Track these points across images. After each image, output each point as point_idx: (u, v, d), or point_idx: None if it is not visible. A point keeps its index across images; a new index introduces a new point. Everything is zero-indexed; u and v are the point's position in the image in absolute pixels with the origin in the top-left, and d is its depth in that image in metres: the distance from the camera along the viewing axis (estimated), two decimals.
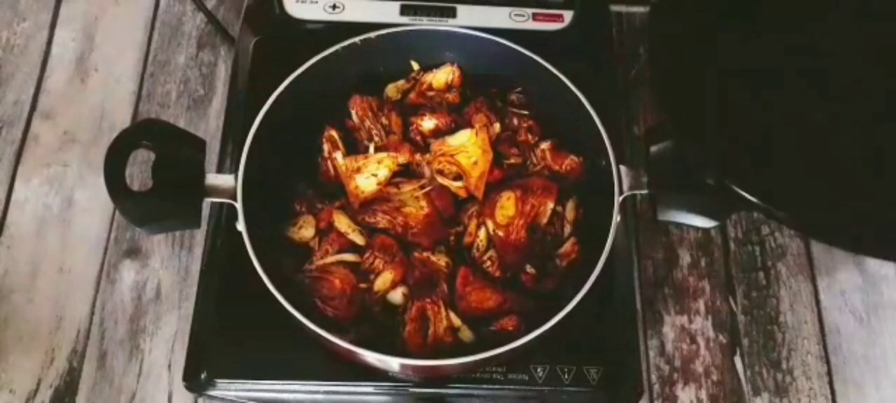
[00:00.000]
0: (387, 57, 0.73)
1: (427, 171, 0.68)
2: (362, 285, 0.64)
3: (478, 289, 0.63)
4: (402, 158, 0.67)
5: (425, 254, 0.65)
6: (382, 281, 0.63)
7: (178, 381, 0.76)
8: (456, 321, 0.62)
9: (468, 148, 0.66)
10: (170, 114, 0.91)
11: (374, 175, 0.66)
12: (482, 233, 0.66)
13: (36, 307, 0.81)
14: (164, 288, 0.82)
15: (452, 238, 0.67)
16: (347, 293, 0.63)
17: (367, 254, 0.64)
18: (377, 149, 0.68)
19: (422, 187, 0.67)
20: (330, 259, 0.64)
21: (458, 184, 0.67)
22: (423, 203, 0.66)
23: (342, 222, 0.65)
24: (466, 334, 0.62)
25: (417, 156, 0.68)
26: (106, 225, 0.85)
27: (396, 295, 0.63)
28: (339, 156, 0.68)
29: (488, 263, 0.65)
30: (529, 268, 0.65)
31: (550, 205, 0.67)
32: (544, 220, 0.67)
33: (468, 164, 0.66)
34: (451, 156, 0.66)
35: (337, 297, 0.62)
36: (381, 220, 0.65)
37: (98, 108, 0.92)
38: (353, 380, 0.65)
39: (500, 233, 0.65)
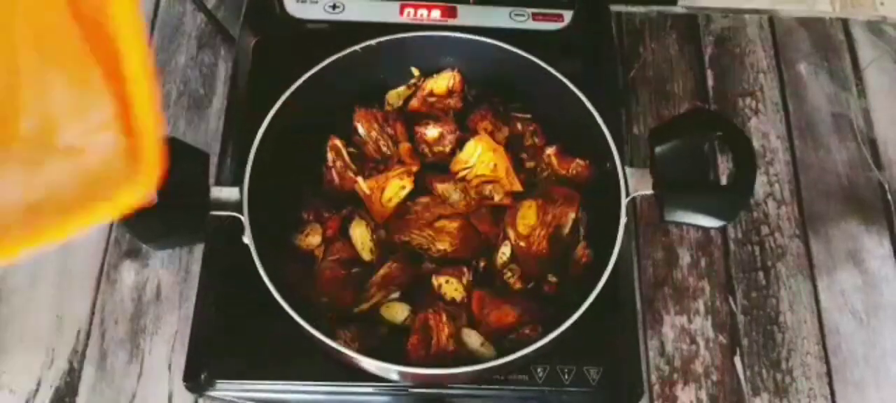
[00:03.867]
0: (387, 63, 0.73)
1: (458, 197, 0.68)
2: (354, 269, 0.64)
3: (495, 309, 0.63)
4: (415, 166, 0.68)
5: (441, 281, 0.64)
6: (391, 312, 0.64)
7: (178, 381, 0.76)
8: (476, 340, 0.62)
9: (481, 155, 0.67)
10: (170, 114, 0.91)
11: (403, 188, 0.67)
12: (506, 249, 0.66)
13: (36, 307, 0.81)
14: (164, 289, 0.82)
15: (483, 264, 0.66)
16: (340, 276, 0.63)
17: (371, 290, 0.64)
18: (387, 163, 0.69)
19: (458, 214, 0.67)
20: (369, 304, 0.64)
21: (498, 197, 0.67)
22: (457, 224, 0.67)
23: (359, 233, 0.66)
24: (489, 350, 0.62)
25: (439, 186, 0.68)
26: (106, 225, 0.85)
27: (401, 314, 0.64)
28: (360, 181, 0.68)
29: (509, 274, 0.65)
30: (552, 278, 0.65)
31: (572, 216, 0.66)
32: (566, 231, 0.67)
33: (489, 171, 0.67)
34: (475, 171, 0.67)
35: (328, 282, 0.63)
36: (416, 238, 0.66)
37: None
38: (353, 381, 0.65)
39: (522, 244, 0.65)
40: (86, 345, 0.79)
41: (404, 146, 0.69)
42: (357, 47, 0.70)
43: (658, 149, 0.64)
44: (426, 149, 0.70)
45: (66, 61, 0.37)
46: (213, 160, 0.77)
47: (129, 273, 0.83)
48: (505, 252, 0.65)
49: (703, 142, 0.67)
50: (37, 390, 0.77)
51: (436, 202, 0.67)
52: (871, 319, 0.84)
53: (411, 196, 0.68)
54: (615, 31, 0.98)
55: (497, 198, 0.68)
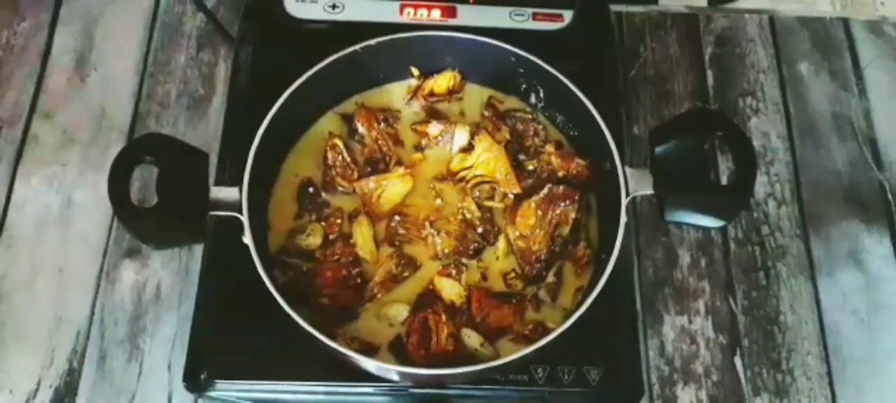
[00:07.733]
0: (387, 63, 0.73)
1: (458, 198, 0.68)
2: (355, 270, 0.64)
3: (495, 309, 0.63)
4: (415, 167, 0.69)
5: (440, 282, 0.64)
6: (391, 312, 0.64)
7: (178, 381, 0.76)
8: (476, 340, 0.62)
9: (481, 155, 0.67)
10: (169, 113, 0.91)
11: (403, 188, 0.67)
12: (501, 243, 0.66)
13: (36, 307, 0.81)
14: (164, 289, 0.82)
15: (483, 263, 0.66)
16: (341, 276, 0.63)
17: (372, 290, 0.65)
18: (384, 165, 0.69)
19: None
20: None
21: (497, 203, 0.67)
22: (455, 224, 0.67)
23: (360, 233, 0.66)
24: (489, 350, 0.62)
25: (438, 186, 0.68)
26: (106, 225, 0.85)
27: (401, 315, 0.64)
28: (361, 180, 0.68)
29: (512, 275, 0.65)
30: (550, 278, 0.65)
31: (572, 216, 0.67)
32: (566, 231, 0.67)
33: (490, 171, 0.67)
34: (474, 170, 0.67)
35: (328, 282, 0.63)
36: (416, 238, 0.66)
37: (98, 108, 0.91)
38: (353, 381, 0.65)
39: (522, 244, 0.65)
40: (85, 345, 0.79)
41: (416, 156, 0.70)
42: (357, 47, 0.70)
43: (658, 149, 0.64)
44: (426, 148, 0.70)
45: None
46: (213, 160, 0.78)
47: (128, 273, 0.82)
48: (500, 245, 0.66)
49: (703, 142, 0.67)
50: (36, 390, 0.77)
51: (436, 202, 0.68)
52: (871, 319, 0.84)
53: (411, 196, 0.68)
54: (615, 30, 0.98)
55: (497, 200, 0.68)
